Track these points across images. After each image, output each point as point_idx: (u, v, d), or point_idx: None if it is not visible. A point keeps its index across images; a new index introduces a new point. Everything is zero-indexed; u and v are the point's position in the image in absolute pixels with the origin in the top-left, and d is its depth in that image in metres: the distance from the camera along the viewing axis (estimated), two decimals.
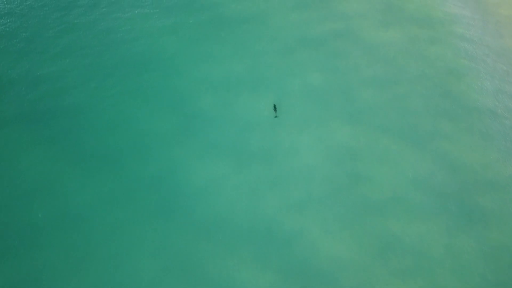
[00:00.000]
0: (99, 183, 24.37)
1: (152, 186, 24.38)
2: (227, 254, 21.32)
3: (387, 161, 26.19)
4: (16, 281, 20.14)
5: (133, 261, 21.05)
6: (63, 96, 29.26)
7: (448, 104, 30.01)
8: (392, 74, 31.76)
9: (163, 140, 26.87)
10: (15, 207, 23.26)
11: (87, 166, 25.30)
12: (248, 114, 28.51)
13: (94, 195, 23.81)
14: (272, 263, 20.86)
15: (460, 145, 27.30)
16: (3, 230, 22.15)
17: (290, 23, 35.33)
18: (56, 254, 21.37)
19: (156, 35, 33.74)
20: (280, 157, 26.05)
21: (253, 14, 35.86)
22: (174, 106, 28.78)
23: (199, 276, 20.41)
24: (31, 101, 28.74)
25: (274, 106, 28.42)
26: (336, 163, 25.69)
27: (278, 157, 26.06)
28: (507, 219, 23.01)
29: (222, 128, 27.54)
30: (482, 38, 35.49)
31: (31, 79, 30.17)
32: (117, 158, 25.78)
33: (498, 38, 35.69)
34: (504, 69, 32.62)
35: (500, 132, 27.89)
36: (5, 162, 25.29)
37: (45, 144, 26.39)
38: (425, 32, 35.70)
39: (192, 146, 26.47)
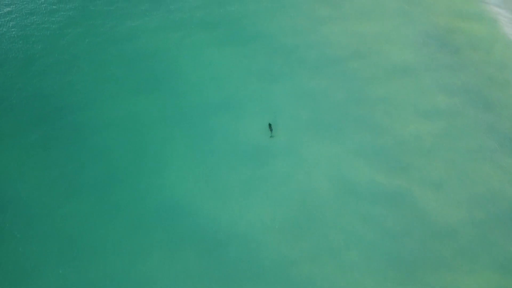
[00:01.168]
0: (100, 212, 22.59)
1: (158, 216, 22.43)
2: None
3: (403, 202, 23.40)
4: None
5: None
6: (65, 116, 27.01)
7: (489, 143, 26.33)
8: (414, 105, 28.26)
9: (170, 164, 24.73)
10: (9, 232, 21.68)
11: (88, 192, 23.35)
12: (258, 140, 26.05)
13: (93, 224, 22.06)
14: None
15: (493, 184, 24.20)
16: None
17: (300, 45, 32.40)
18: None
19: (167, 52, 31.53)
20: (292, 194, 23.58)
21: (260, 33, 33.28)
22: (183, 128, 26.60)
23: None
24: (31, 119, 26.67)
25: (270, 125, 26.38)
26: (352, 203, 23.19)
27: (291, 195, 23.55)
28: None
29: (233, 156, 25.16)
30: None
31: (29, 95, 27.98)
32: (120, 185, 23.68)
33: None
34: None
35: None
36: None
37: (43, 167, 24.42)
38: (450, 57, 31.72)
39: (200, 175, 24.23)
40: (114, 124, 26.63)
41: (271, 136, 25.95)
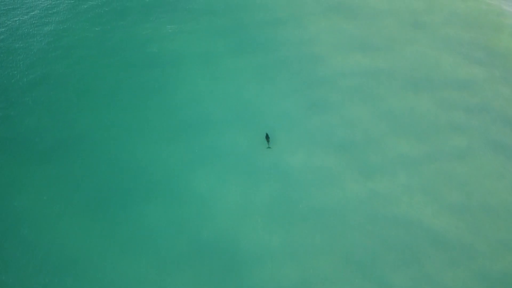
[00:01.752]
0: (100, 229, 21.49)
1: (152, 239, 21.17)
2: None
3: (414, 230, 21.43)
4: None
5: None
6: (57, 131, 26.09)
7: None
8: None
9: (164, 184, 23.44)
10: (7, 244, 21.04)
11: (88, 209, 22.39)
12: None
13: (94, 242, 21.13)
14: None
15: None
16: None
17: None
18: None
19: (163, 64, 30.51)
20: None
21: (267, 44, 32.11)
22: (178, 145, 25.28)
23: None
24: (28, 133, 25.87)
25: (267, 135, 25.13)
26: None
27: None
28: None
29: (227, 177, 23.72)
30: None
31: (26, 109, 27.22)
32: (115, 206, 22.54)
33: None
34: None
35: None
36: None
37: (42, 184, 23.55)
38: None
39: (195, 197, 22.87)
40: (106, 140, 25.55)
41: (268, 147, 24.75)
